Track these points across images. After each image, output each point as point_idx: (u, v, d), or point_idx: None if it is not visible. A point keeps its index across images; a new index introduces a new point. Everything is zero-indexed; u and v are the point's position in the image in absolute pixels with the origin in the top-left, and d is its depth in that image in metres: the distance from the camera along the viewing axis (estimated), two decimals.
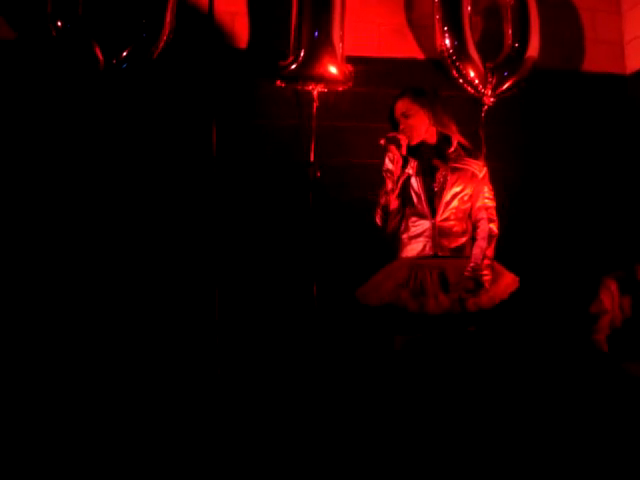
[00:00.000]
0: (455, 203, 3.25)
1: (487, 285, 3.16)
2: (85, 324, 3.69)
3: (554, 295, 4.22)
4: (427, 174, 3.29)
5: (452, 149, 3.31)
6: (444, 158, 3.29)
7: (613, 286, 3.86)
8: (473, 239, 3.29)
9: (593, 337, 3.80)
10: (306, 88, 3.98)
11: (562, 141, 4.45)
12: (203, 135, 3.92)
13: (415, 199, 3.26)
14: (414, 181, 3.27)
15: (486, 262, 3.20)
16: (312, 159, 3.98)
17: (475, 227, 3.30)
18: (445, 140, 3.33)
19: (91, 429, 3.50)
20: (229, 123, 3.97)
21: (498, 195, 4.10)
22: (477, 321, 3.22)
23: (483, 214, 3.30)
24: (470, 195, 3.30)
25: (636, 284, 3.83)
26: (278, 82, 3.98)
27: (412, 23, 4.32)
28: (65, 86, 3.78)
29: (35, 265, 3.71)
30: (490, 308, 3.18)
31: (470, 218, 3.31)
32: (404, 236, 3.30)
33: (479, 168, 3.34)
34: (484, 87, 4.16)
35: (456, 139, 3.34)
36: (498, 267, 3.29)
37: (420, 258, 3.21)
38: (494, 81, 4.17)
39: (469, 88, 4.17)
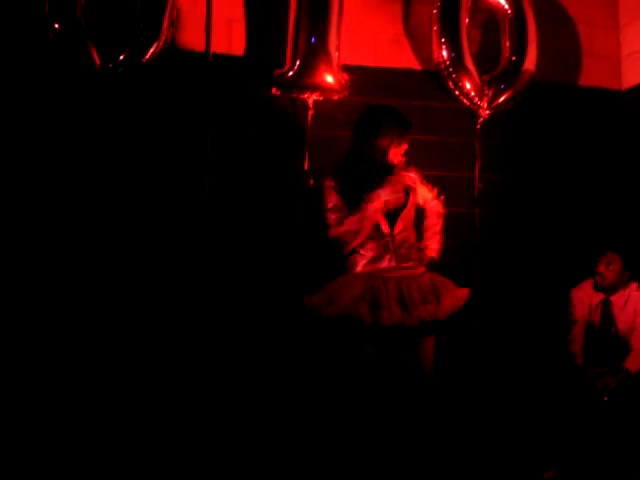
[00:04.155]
0: (406, 213, 3.51)
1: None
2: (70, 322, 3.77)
3: (539, 305, 4.33)
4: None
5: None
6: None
7: (583, 294, 3.98)
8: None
9: (569, 349, 3.91)
10: (302, 96, 4.09)
11: (557, 155, 4.58)
12: (198, 140, 4.03)
13: None
14: None
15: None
16: (306, 167, 4.06)
17: (428, 220, 3.63)
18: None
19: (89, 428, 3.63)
20: (224, 130, 4.08)
21: (491, 207, 4.25)
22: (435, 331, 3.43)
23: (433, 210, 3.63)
24: (414, 203, 3.55)
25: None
26: (274, 90, 4.09)
27: (409, 33, 4.45)
28: (61, 88, 3.86)
29: (23, 266, 3.77)
30: (444, 319, 3.36)
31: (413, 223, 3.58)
32: (362, 249, 3.44)
33: (414, 175, 3.58)
34: (480, 99, 4.28)
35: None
36: (449, 283, 3.47)
37: (381, 271, 3.38)
38: (490, 94, 4.29)
39: (465, 100, 4.29)
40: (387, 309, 3.25)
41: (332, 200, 3.46)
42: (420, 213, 3.64)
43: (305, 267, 4.01)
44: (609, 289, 3.97)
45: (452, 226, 3.88)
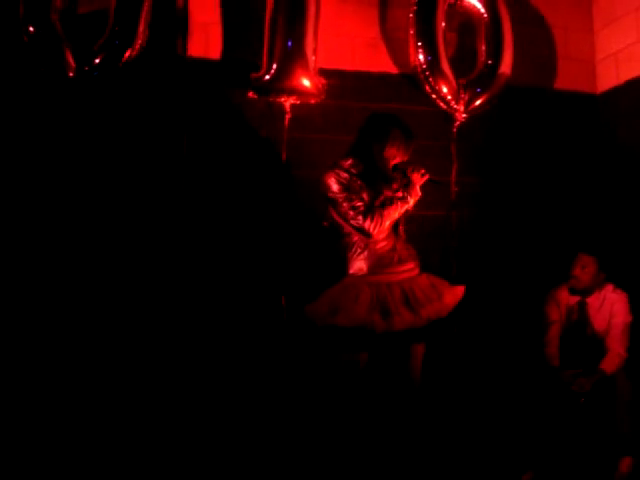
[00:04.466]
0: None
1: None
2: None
3: (515, 306, 4.39)
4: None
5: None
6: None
7: (559, 296, 4.01)
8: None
9: (545, 350, 3.94)
10: (278, 100, 4.10)
11: (533, 158, 4.64)
12: (174, 144, 4.02)
13: None
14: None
15: None
16: (284, 171, 4.08)
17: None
18: None
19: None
20: (201, 134, 4.08)
21: (468, 210, 4.29)
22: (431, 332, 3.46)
23: None
24: None
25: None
26: (251, 94, 4.10)
27: (386, 36, 4.48)
28: (37, 92, 3.84)
29: None
30: (446, 316, 3.43)
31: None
32: (368, 249, 3.42)
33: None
34: (456, 103, 4.31)
35: None
36: (444, 281, 3.55)
37: (387, 272, 3.39)
38: (466, 97, 4.32)
39: (441, 104, 4.33)
40: (397, 314, 3.28)
41: (359, 197, 3.38)
42: None
43: (286, 270, 4.03)
44: (585, 291, 4.00)
45: (429, 229, 3.90)
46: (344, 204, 3.35)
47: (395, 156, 3.47)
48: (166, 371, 3.82)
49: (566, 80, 4.78)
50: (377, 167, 3.44)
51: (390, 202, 3.37)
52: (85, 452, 3.57)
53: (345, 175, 3.38)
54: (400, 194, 3.40)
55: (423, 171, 3.46)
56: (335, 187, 3.37)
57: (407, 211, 3.49)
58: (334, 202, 3.38)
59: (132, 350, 3.81)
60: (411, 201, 3.42)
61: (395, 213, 3.38)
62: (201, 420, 3.79)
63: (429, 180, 3.48)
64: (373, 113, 3.60)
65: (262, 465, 3.66)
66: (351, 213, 3.33)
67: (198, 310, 3.93)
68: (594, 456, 3.73)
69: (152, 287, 3.90)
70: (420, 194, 3.46)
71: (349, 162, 3.43)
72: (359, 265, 3.41)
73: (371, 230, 3.32)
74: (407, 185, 3.43)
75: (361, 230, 3.33)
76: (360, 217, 3.31)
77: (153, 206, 3.97)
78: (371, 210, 3.33)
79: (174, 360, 3.83)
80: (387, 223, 3.36)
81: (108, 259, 3.86)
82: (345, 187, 3.36)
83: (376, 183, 3.41)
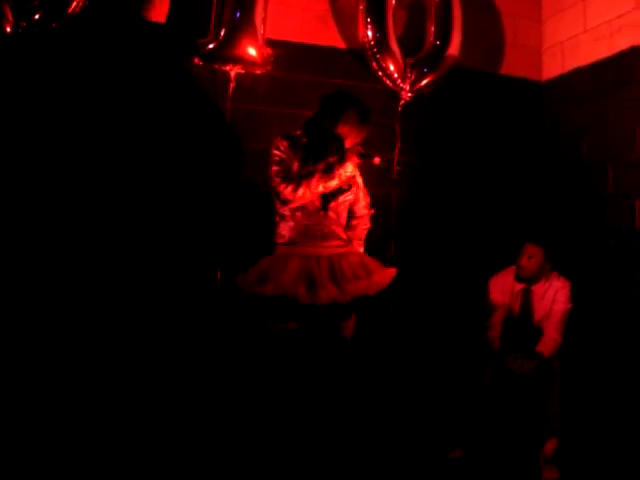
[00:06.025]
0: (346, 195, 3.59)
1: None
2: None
3: (454, 287, 4.43)
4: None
5: None
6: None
7: (504, 282, 4.06)
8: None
9: (487, 334, 3.97)
10: (224, 68, 4.04)
11: (477, 141, 4.68)
12: (115, 108, 3.89)
13: None
14: None
15: None
16: (226, 140, 4.03)
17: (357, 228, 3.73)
18: None
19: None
20: (143, 97, 3.96)
21: (409, 189, 4.30)
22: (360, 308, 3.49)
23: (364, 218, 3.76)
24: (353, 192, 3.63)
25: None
26: (196, 60, 4.03)
27: (335, 10, 4.45)
28: None
29: None
30: (373, 295, 3.43)
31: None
32: (294, 219, 3.48)
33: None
34: (403, 82, 4.31)
35: None
36: (377, 262, 3.56)
37: (313, 244, 3.46)
38: (413, 76, 4.33)
39: (388, 82, 4.32)
40: (323, 288, 3.31)
41: (287, 165, 3.42)
42: None
43: (225, 241, 4.00)
44: (531, 279, 4.03)
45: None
46: (273, 167, 3.43)
47: (347, 136, 3.46)
48: (104, 346, 3.75)
49: (513, 66, 4.83)
50: (322, 142, 3.42)
51: (312, 174, 3.39)
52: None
53: (285, 143, 3.45)
54: (322, 166, 3.40)
55: (359, 148, 3.51)
56: (273, 152, 3.44)
57: (340, 189, 3.48)
58: (268, 165, 3.45)
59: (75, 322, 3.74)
60: (337, 176, 3.41)
61: (318, 186, 3.39)
62: (143, 389, 3.74)
63: (359, 154, 3.51)
64: (337, 91, 3.59)
65: (196, 431, 3.64)
66: (274, 177, 3.41)
67: (139, 280, 3.87)
68: (522, 437, 3.82)
69: (84, 258, 3.81)
70: (350, 172, 3.47)
71: (297, 132, 3.50)
72: (284, 233, 3.48)
73: (287, 196, 3.37)
74: (340, 161, 3.44)
75: (278, 195, 3.40)
76: (278, 180, 3.38)
77: (90, 171, 3.85)
78: (290, 178, 3.38)
79: (111, 334, 3.77)
80: (306, 193, 3.37)
81: (47, 235, 3.77)
82: (280, 154, 3.43)
83: (313, 156, 3.41)
